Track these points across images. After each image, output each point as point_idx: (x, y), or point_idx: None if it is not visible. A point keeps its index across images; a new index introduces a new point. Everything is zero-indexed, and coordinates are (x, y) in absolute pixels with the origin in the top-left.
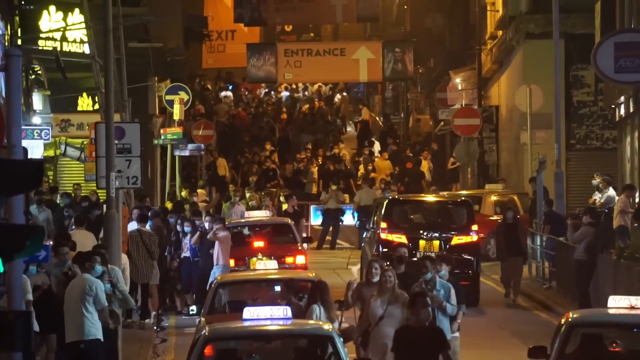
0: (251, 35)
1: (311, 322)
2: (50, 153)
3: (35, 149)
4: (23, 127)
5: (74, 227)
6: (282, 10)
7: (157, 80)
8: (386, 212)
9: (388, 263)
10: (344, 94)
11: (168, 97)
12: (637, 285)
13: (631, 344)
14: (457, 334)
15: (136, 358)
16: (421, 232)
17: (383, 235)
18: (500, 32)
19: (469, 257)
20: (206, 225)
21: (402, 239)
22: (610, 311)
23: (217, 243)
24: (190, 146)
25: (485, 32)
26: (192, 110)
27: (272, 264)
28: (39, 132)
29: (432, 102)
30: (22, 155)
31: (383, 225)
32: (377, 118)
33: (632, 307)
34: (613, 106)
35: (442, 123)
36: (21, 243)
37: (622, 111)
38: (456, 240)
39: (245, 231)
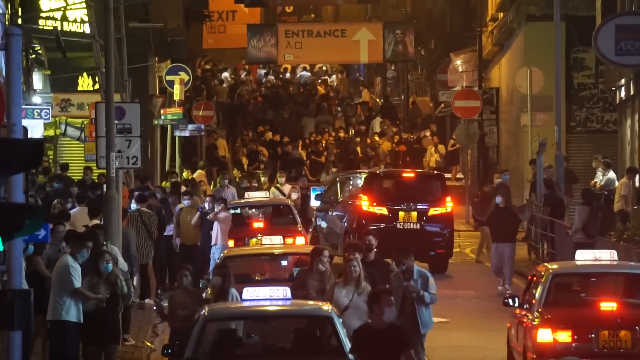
0: (252, 16)
1: (310, 302)
2: (50, 133)
3: (35, 129)
4: (23, 106)
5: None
6: None
7: (157, 61)
8: (366, 186)
9: (347, 253)
10: (339, 74)
11: (168, 78)
12: None
13: (597, 290)
14: (430, 326)
15: (135, 337)
16: (400, 204)
17: (365, 208)
18: (501, 14)
19: (443, 227)
20: (206, 206)
21: (383, 210)
22: (579, 263)
23: (216, 223)
24: (190, 126)
25: (486, 14)
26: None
27: (278, 239)
28: (39, 111)
29: (432, 84)
30: (22, 135)
31: (364, 198)
32: (377, 99)
33: (596, 259)
34: (613, 89)
35: (442, 105)
36: (21, 222)
37: (623, 94)
38: (432, 211)
39: (246, 212)
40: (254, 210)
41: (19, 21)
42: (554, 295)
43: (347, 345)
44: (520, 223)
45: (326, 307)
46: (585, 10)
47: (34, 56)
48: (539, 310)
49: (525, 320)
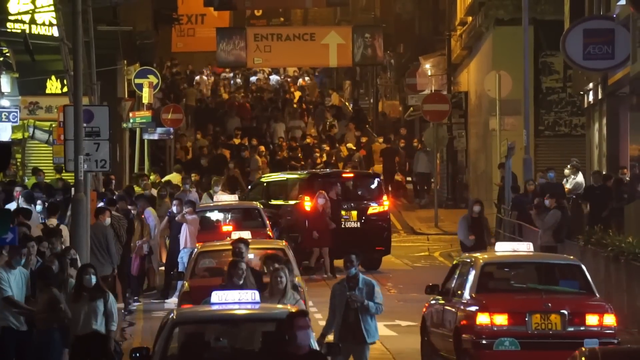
0: (221, 19)
1: (279, 306)
2: (19, 136)
3: (3, 132)
4: None
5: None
6: None
7: (126, 64)
8: (306, 186)
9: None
10: (311, 77)
11: (137, 81)
12: (604, 271)
13: (523, 278)
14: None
15: None
16: (340, 202)
17: (307, 208)
18: (469, 18)
19: (382, 224)
20: (174, 209)
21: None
22: (503, 253)
23: (184, 227)
24: (159, 130)
25: (454, 18)
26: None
27: (247, 234)
28: (7, 114)
29: (401, 87)
30: None
31: (306, 198)
32: (347, 103)
33: (514, 251)
34: (582, 93)
35: (411, 109)
36: None
37: (591, 98)
38: (371, 209)
39: (214, 215)
40: (223, 213)
41: None
42: (485, 283)
43: (317, 348)
44: (490, 233)
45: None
46: (553, 15)
47: (1, 59)
48: (472, 296)
49: (456, 306)
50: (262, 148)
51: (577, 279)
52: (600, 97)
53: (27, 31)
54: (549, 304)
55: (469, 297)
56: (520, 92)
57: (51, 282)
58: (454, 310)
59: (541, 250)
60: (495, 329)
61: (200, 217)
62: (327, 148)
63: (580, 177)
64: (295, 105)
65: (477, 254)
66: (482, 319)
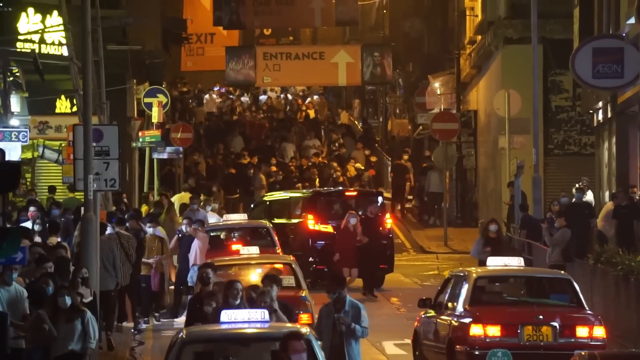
0: (230, 38)
1: (288, 324)
2: (28, 155)
3: (12, 151)
4: (0, 129)
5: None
6: (261, 13)
7: (135, 83)
8: (309, 204)
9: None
10: (315, 97)
11: (146, 100)
12: (614, 289)
13: (515, 291)
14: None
15: None
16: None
17: (311, 226)
18: (479, 37)
19: (385, 242)
20: (183, 228)
21: (328, 228)
22: (494, 267)
23: (194, 244)
24: (168, 149)
25: (464, 37)
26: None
27: (255, 249)
28: (16, 134)
29: (410, 106)
30: None
31: (310, 217)
32: (356, 122)
33: (505, 265)
34: (591, 111)
35: (420, 127)
36: None
37: (600, 116)
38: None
39: (224, 234)
40: (232, 232)
41: None
42: (478, 296)
43: None
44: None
45: (304, 329)
46: (562, 34)
47: (11, 79)
48: (466, 308)
49: (449, 318)
50: (274, 168)
51: (567, 293)
52: (609, 115)
53: (37, 51)
54: (541, 316)
55: (462, 310)
56: (530, 111)
57: (43, 302)
58: (447, 322)
59: (549, 268)
60: (488, 340)
61: (210, 237)
62: (337, 167)
63: (589, 196)
64: (301, 124)
65: (470, 269)
66: (476, 330)
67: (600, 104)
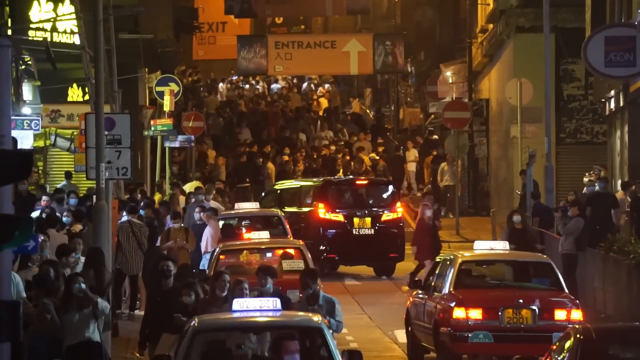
0: (242, 27)
1: (300, 313)
2: (40, 144)
3: (24, 140)
4: (13, 117)
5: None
6: (273, 2)
7: (147, 72)
8: (320, 193)
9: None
10: (327, 85)
11: (158, 89)
12: (625, 278)
13: (497, 275)
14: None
15: (124, 349)
16: (354, 210)
17: (322, 215)
18: (490, 26)
19: (395, 231)
20: (196, 217)
21: (339, 217)
22: (479, 252)
23: (206, 231)
24: (180, 137)
25: (475, 26)
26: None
27: (265, 234)
28: (28, 122)
29: (422, 95)
30: (11, 146)
31: (320, 205)
32: (368, 111)
33: (491, 249)
34: (603, 100)
35: (432, 116)
36: (10, 233)
37: (612, 105)
38: (384, 217)
39: (235, 223)
40: (244, 221)
41: (9, 32)
42: (462, 279)
43: (338, 356)
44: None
45: (316, 318)
46: (574, 22)
47: (23, 67)
48: (450, 291)
49: (436, 300)
50: (287, 158)
51: (548, 277)
52: (621, 104)
53: (49, 39)
54: (521, 300)
55: (447, 293)
56: (542, 100)
57: (49, 291)
58: (433, 304)
59: (562, 257)
60: (471, 322)
61: (222, 225)
62: (348, 158)
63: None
64: (314, 114)
65: (457, 253)
66: (459, 313)
67: (612, 92)
